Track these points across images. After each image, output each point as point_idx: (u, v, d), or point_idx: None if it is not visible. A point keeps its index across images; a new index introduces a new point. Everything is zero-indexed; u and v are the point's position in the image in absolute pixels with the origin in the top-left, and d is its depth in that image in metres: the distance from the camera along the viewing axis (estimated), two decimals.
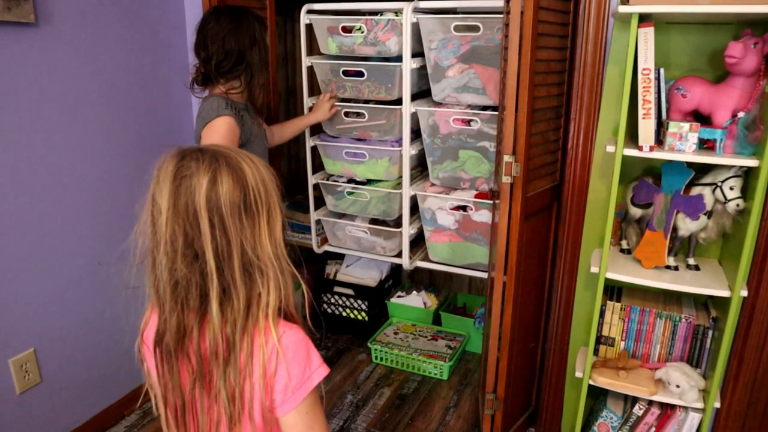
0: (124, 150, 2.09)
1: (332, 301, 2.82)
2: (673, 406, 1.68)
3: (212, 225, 0.79)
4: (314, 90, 2.36)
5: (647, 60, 1.42)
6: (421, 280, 3.00)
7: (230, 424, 0.84)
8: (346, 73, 2.19)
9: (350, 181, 2.37)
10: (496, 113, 1.98)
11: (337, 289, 2.79)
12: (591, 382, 1.70)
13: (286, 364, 0.84)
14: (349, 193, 2.35)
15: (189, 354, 0.85)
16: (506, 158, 1.63)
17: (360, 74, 2.16)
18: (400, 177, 2.24)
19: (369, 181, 2.35)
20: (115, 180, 2.07)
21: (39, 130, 1.79)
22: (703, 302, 1.77)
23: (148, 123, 2.17)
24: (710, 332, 1.65)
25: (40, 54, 1.75)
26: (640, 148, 1.47)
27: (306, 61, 2.26)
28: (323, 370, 0.88)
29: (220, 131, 1.61)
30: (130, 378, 2.26)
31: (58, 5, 1.78)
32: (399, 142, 2.19)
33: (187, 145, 0.87)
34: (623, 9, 1.39)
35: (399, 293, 2.85)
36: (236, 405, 0.84)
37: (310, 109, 2.27)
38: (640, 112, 1.45)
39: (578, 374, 1.77)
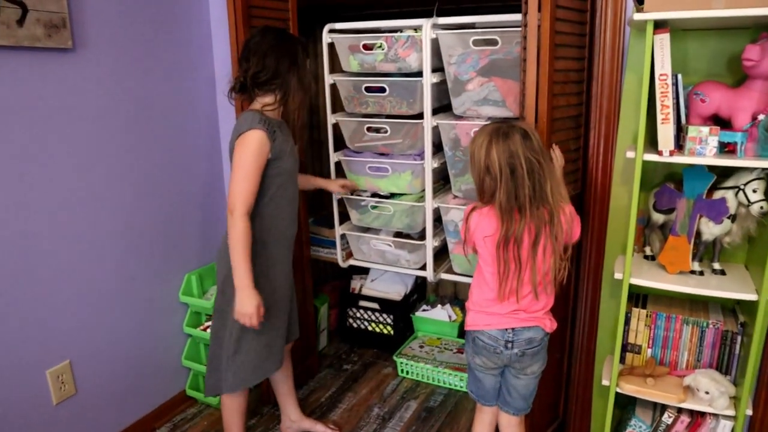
0: (155, 169, 2.16)
1: (357, 315, 2.84)
2: (703, 414, 1.65)
3: (540, 164, 1.45)
4: (337, 107, 2.41)
5: (664, 66, 1.44)
6: (445, 293, 3.01)
7: (556, 258, 1.51)
8: (368, 89, 2.24)
9: (374, 195, 2.41)
10: None
11: (362, 303, 2.81)
12: (618, 390, 1.69)
13: (574, 217, 1.55)
14: (373, 207, 2.39)
15: (527, 233, 1.49)
16: None
17: (382, 90, 2.21)
18: (423, 190, 2.27)
19: (392, 195, 2.38)
20: (147, 198, 2.14)
21: (77, 149, 1.88)
22: (730, 308, 1.75)
23: (177, 142, 2.25)
24: (739, 338, 1.63)
25: (78, 77, 1.85)
26: (660, 153, 1.48)
27: (329, 79, 2.32)
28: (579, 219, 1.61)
29: (251, 144, 1.68)
30: (160, 391, 2.31)
31: (93, 32, 1.88)
32: (421, 155, 2.22)
33: (497, 124, 1.51)
34: (638, 16, 1.41)
35: (424, 307, 2.86)
36: (558, 242, 1.50)
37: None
38: (659, 117, 1.47)
39: (605, 382, 1.75)
